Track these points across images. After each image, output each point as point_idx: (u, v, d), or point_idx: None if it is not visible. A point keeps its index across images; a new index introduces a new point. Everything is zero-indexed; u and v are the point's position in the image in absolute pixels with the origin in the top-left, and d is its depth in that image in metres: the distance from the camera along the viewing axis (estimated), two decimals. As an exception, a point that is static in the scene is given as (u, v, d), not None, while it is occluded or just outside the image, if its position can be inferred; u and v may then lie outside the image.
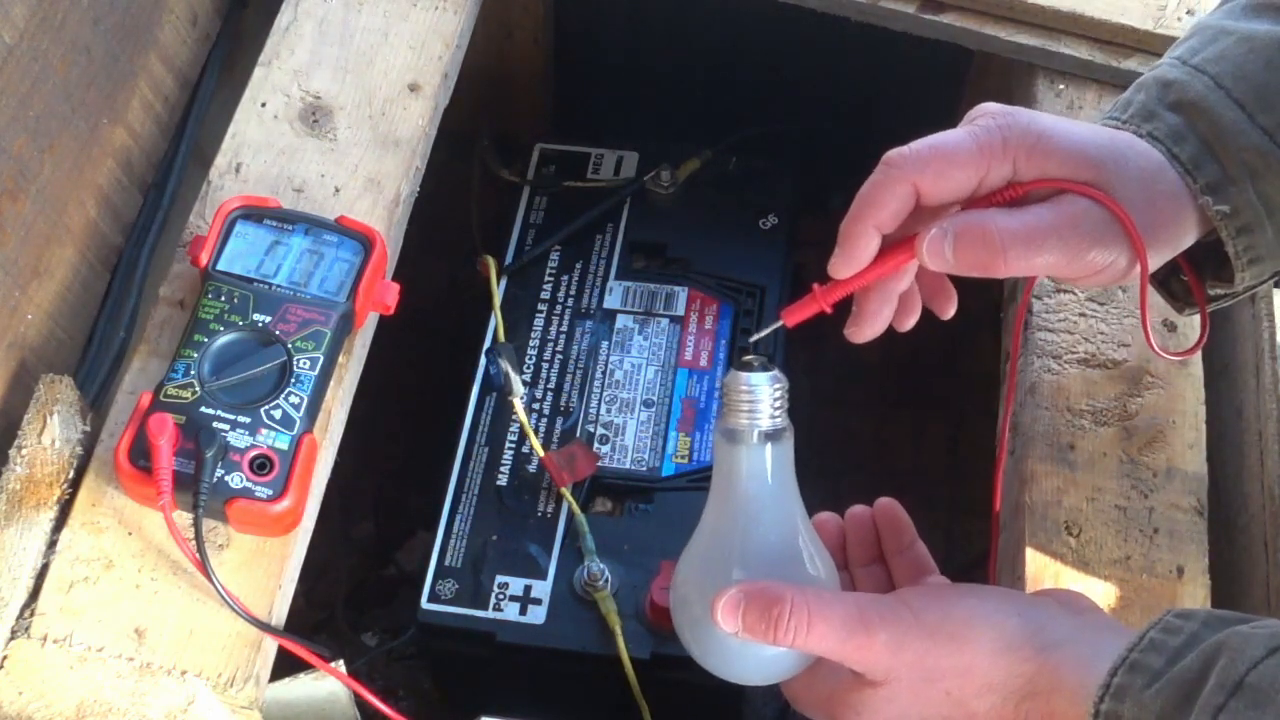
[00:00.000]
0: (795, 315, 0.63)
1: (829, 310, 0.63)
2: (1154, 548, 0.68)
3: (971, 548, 1.00)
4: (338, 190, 0.76)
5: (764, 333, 0.67)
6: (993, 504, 0.70)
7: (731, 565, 0.61)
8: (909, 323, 0.65)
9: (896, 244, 0.61)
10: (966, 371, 1.12)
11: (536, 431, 0.83)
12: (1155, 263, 0.60)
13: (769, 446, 0.61)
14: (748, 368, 0.61)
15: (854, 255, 0.60)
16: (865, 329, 0.64)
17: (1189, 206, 0.59)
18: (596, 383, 0.85)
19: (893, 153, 0.59)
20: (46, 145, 0.70)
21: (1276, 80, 0.58)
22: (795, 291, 0.93)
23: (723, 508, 0.62)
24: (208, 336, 0.67)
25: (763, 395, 0.60)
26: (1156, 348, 0.64)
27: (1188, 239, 0.60)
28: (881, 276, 0.61)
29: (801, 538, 0.62)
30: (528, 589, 0.77)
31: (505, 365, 0.82)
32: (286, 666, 0.65)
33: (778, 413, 0.61)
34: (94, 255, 0.75)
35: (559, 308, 0.88)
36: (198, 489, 0.63)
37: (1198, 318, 0.66)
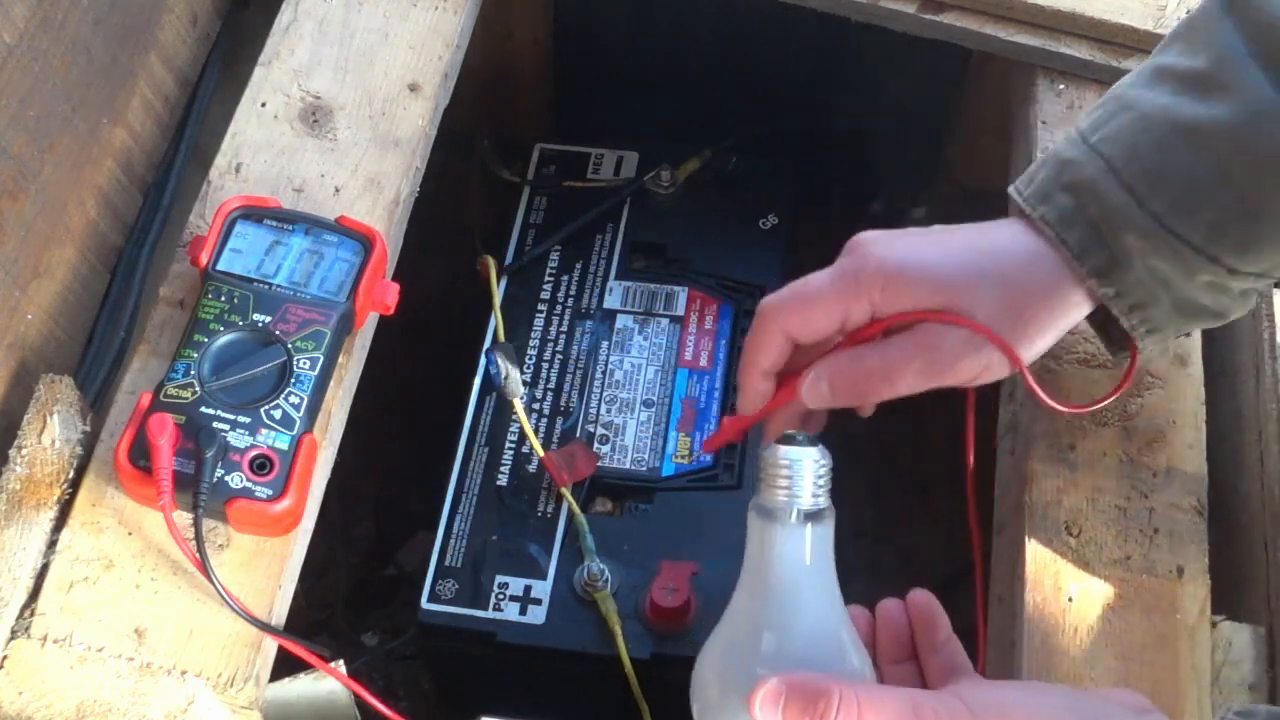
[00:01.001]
0: (712, 444, 0.76)
1: (740, 439, 0.73)
2: (1154, 548, 0.68)
3: (971, 548, 1.00)
4: (338, 190, 0.76)
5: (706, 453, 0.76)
6: (969, 509, 0.70)
7: (766, 654, 0.56)
8: (819, 426, 0.68)
9: (788, 378, 0.65)
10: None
11: (536, 431, 0.83)
12: (1041, 348, 0.63)
13: (809, 527, 0.57)
14: (789, 441, 0.58)
15: (752, 397, 0.66)
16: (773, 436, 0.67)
17: (1074, 287, 0.62)
18: (596, 383, 0.85)
19: (764, 302, 0.64)
20: (46, 145, 0.70)
21: (1166, 163, 0.60)
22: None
23: (756, 591, 0.58)
24: (208, 336, 0.67)
25: (804, 471, 0.57)
26: (1053, 403, 0.66)
27: (1077, 315, 0.63)
28: (775, 409, 0.66)
29: (842, 628, 0.58)
30: (528, 589, 0.78)
31: (505, 365, 0.82)
32: (286, 666, 0.65)
33: (820, 491, 0.58)
34: (94, 255, 0.75)
35: (559, 308, 0.88)
36: (198, 489, 0.63)
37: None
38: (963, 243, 0.64)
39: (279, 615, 0.65)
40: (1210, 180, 0.59)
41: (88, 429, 0.67)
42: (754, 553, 0.58)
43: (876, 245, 0.63)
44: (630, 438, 0.83)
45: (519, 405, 0.83)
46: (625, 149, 0.95)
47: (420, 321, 0.84)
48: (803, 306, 0.63)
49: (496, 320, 0.86)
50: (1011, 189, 0.65)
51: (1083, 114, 0.65)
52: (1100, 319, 0.66)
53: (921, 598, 0.63)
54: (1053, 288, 0.62)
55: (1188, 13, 0.78)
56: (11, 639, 0.62)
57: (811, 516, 0.57)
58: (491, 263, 0.88)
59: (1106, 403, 0.69)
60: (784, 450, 0.58)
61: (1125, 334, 0.65)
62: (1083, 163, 0.62)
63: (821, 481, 0.58)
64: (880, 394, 0.63)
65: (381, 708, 0.65)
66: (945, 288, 0.61)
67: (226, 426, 0.64)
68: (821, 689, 0.54)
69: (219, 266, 0.69)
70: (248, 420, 0.65)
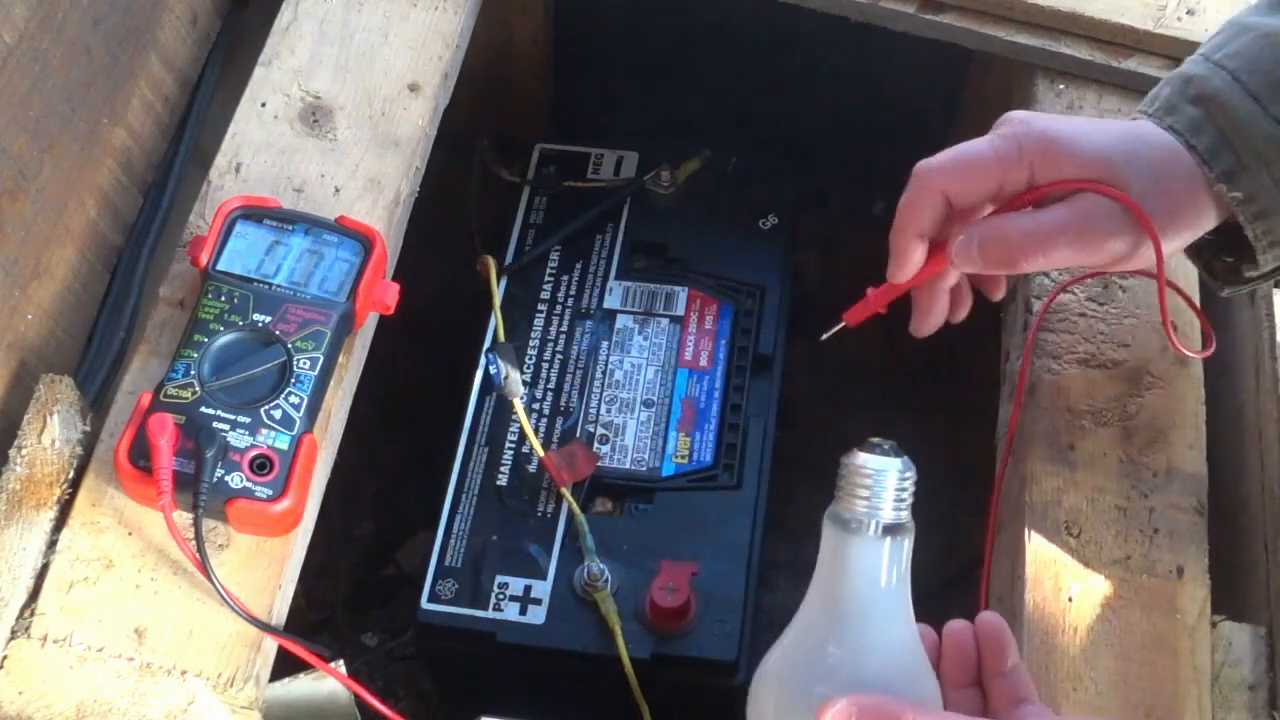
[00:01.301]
0: (856, 316, 0.71)
1: (884, 310, 0.70)
2: (1154, 548, 0.68)
3: (971, 548, 1.00)
4: (338, 190, 0.76)
5: (831, 333, 0.71)
6: (990, 508, 0.70)
7: (835, 671, 0.54)
8: (961, 314, 0.72)
9: (936, 248, 0.66)
10: (967, 372, 1.12)
11: (536, 431, 0.83)
12: (1176, 246, 0.64)
13: (888, 541, 0.55)
14: (874, 449, 0.56)
15: (906, 262, 0.67)
16: (924, 323, 0.71)
17: (1205, 193, 0.63)
18: (596, 383, 0.85)
19: (920, 165, 0.65)
20: (46, 145, 0.70)
21: None
22: (795, 292, 0.93)
23: (826, 604, 0.55)
24: (208, 336, 0.67)
25: (888, 482, 0.55)
26: (1178, 344, 0.68)
27: (1206, 222, 0.64)
28: (925, 279, 0.67)
29: (915, 649, 0.56)
30: (528, 589, 0.78)
31: (505, 365, 0.82)
32: (286, 666, 0.65)
33: (902, 505, 0.55)
34: (94, 255, 0.75)
35: (559, 308, 0.88)
36: (198, 489, 0.62)
37: (1198, 326, 0.69)
38: (1116, 126, 0.66)
39: (279, 615, 0.65)
40: None
41: (88, 429, 0.67)
42: (827, 564, 0.56)
43: (1036, 118, 0.65)
44: (630, 438, 0.83)
45: (519, 405, 0.83)
46: (625, 149, 0.95)
47: (420, 321, 0.84)
48: (962, 168, 0.64)
49: (496, 320, 0.86)
50: (1136, 111, 0.67)
51: (1203, 43, 0.67)
52: (1206, 257, 0.68)
53: (991, 620, 0.60)
54: (1192, 185, 0.63)
55: (1189, 13, 0.79)
56: (11, 639, 0.62)
57: (891, 530, 0.55)
58: (491, 263, 0.88)
59: (1209, 352, 0.71)
60: (867, 458, 0.55)
61: (1227, 269, 0.67)
62: (1208, 76, 0.64)
63: (904, 494, 0.55)
64: (1031, 260, 0.63)
65: (381, 708, 0.65)
66: (1103, 161, 0.63)
67: (226, 426, 0.64)
68: (894, 713, 0.52)
69: (219, 266, 0.69)
70: (248, 420, 0.65)
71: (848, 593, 0.55)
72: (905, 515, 0.55)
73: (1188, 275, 0.74)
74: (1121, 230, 0.63)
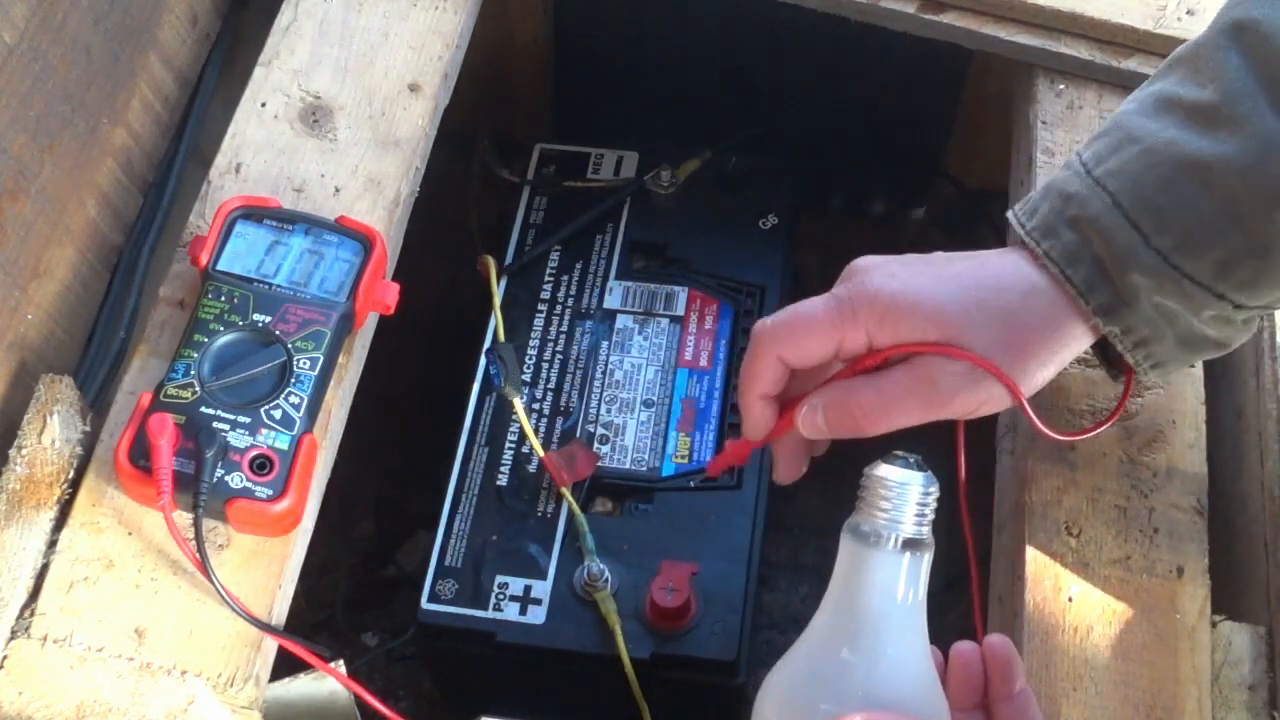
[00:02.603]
0: (716, 467, 0.74)
1: (744, 463, 0.72)
2: (1154, 548, 0.68)
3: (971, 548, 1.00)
4: (338, 190, 0.76)
5: (698, 482, 0.76)
6: (961, 505, 0.69)
7: (847, 685, 0.53)
8: (821, 450, 0.69)
9: (789, 406, 0.65)
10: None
11: (536, 431, 0.83)
12: (1040, 382, 0.62)
13: (907, 556, 0.54)
14: (897, 461, 0.55)
15: (755, 422, 0.66)
16: (785, 473, 0.69)
17: (1073, 322, 0.61)
18: (596, 383, 0.85)
19: (757, 326, 0.64)
20: (46, 145, 0.70)
21: (1173, 200, 0.58)
22: (795, 291, 0.93)
23: (841, 617, 0.55)
24: (208, 336, 0.67)
25: (909, 496, 0.54)
26: (1049, 432, 0.65)
27: (1076, 349, 0.62)
28: (781, 435, 0.67)
29: (928, 668, 0.55)
30: (528, 589, 0.78)
31: (505, 365, 0.82)
32: (286, 666, 0.65)
33: (922, 520, 0.55)
34: (94, 255, 0.75)
35: (559, 308, 0.88)
36: (198, 489, 0.63)
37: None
38: (961, 273, 0.62)
39: (279, 615, 0.65)
40: (1218, 218, 0.57)
41: (88, 429, 0.67)
42: (843, 576, 0.55)
43: (873, 274, 0.62)
44: (630, 438, 0.83)
45: (519, 405, 0.83)
46: (625, 149, 0.95)
47: (420, 321, 0.84)
48: (797, 333, 0.62)
49: (496, 320, 0.86)
50: (1011, 217, 0.64)
51: (1084, 143, 0.64)
52: (1101, 345, 0.65)
53: (999, 643, 0.59)
54: (1055, 322, 0.61)
55: (1189, 13, 0.79)
56: (11, 639, 0.62)
57: (911, 545, 0.54)
58: (491, 263, 0.88)
59: (1100, 431, 0.68)
60: (889, 471, 0.55)
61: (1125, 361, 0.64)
62: (1087, 197, 0.61)
63: (925, 510, 0.55)
64: (877, 427, 0.62)
65: (381, 708, 0.65)
66: (944, 320, 0.60)
67: (226, 426, 0.64)
68: None
69: (219, 266, 0.69)
70: (248, 420, 0.65)
71: (863, 606, 0.54)
72: (926, 531, 0.55)
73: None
74: (966, 385, 0.60)
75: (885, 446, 0.58)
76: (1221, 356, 0.65)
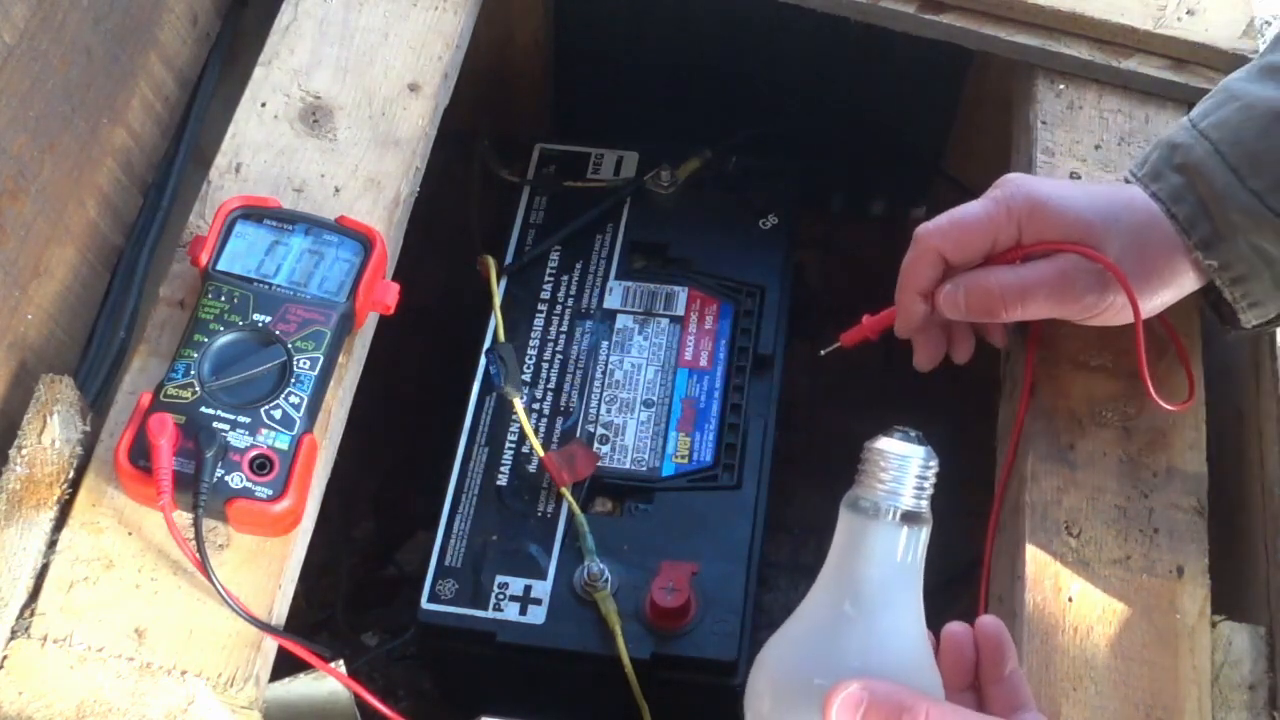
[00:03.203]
0: (851, 338, 0.78)
1: (874, 339, 0.77)
2: (1154, 548, 0.68)
3: (971, 548, 1.00)
4: (338, 190, 0.76)
5: (829, 350, 0.78)
6: (993, 508, 0.70)
7: (842, 657, 0.52)
8: (964, 354, 0.76)
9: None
10: (967, 372, 1.12)
11: (536, 431, 0.83)
12: (1154, 305, 0.69)
13: (905, 530, 0.54)
14: (898, 435, 0.55)
15: (909, 318, 0.73)
16: (923, 359, 0.76)
17: (1183, 257, 0.68)
18: (596, 383, 0.85)
19: (920, 228, 0.71)
20: (46, 145, 0.70)
21: (1267, 148, 0.65)
22: (795, 292, 0.93)
23: (838, 589, 0.54)
24: (208, 336, 0.67)
25: (909, 469, 0.54)
26: (1156, 397, 0.70)
27: (1188, 284, 0.69)
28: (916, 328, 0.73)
29: (923, 642, 0.55)
30: (528, 589, 0.78)
31: (505, 365, 0.82)
32: (286, 666, 0.65)
33: (921, 494, 0.55)
34: (94, 255, 0.75)
35: (559, 308, 0.88)
36: (198, 489, 0.62)
37: (1183, 372, 0.73)
38: (1104, 191, 0.70)
39: (279, 615, 0.65)
40: None
41: (88, 429, 0.67)
42: (840, 549, 0.55)
43: (1027, 180, 0.70)
44: (630, 438, 0.83)
45: (519, 405, 0.83)
46: (625, 149, 0.95)
47: (420, 321, 0.84)
48: (959, 229, 0.70)
49: (496, 320, 0.86)
50: (1128, 172, 0.71)
51: (1196, 106, 0.71)
52: (1213, 297, 0.70)
53: (990, 624, 0.60)
54: (1171, 251, 0.68)
55: (1189, 13, 0.79)
56: (11, 639, 0.62)
57: (909, 519, 0.54)
58: (491, 263, 0.88)
59: (1189, 403, 0.72)
60: (889, 444, 0.55)
61: (1234, 310, 0.69)
62: (1191, 145, 0.68)
63: (925, 484, 0.55)
64: (1011, 310, 0.69)
65: (381, 708, 0.65)
66: (1085, 224, 0.67)
67: (226, 426, 0.64)
68: (907, 703, 0.51)
69: (219, 266, 0.69)
70: (248, 420, 0.65)
71: (860, 578, 0.54)
72: (925, 506, 0.55)
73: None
74: (1095, 287, 0.67)
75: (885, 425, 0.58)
76: (1221, 356, 0.66)
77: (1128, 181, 0.71)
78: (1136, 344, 0.68)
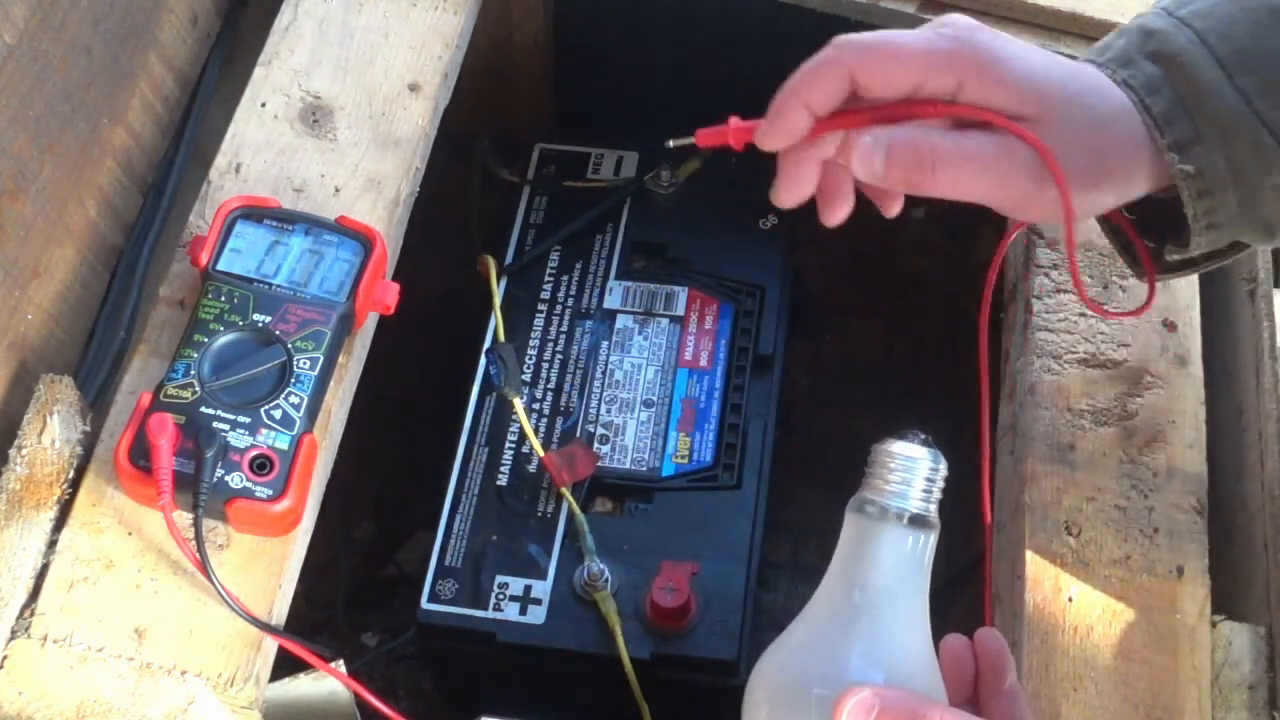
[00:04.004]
0: (707, 139, 0.63)
1: (738, 148, 0.62)
2: (1154, 548, 0.68)
3: (971, 548, 1.00)
4: (338, 190, 0.76)
5: (680, 142, 0.64)
6: (984, 510, 0.70)
7: (846, 667, 0.51)
8: (838, 215, 0.62)
9: (820, 125, 0.59)
10: (967, 372, 1.12)
11: (536, 431, 0.83)
12: (1097, 207, 0.59)
13: (912, 533, 0.53)
14: (906, 438, 0.55)
15: (782, 128, 0.60)
16: (782, 191, 0.62)
17: (1144, 157, 0.57)
18: (596, 383, 0.85)
19: (841, 37, 0.58)
20: (46, 145, 0.70)
21: (1262, 45, 0.56)
22: (795, 292, 0.93)
23: (843, 593, 0.54)
24: (208, 336, 0.67)
25: (918, 471, 0.54)
26: (1089, 301, 0.63)
27: (1135, 189, 0.59)
28: (793, 150, 0.61)
29: (929, 648, 0.54)
30: (528, 589, 0.78)
31: (505, 365, 0.82)
32: (286, 666, 0.65)
33: (929, 498, 0.54)
34: (94, 255, 0.75)
35: (559, 308, 0.88)
36: (198, 489, 0.63)
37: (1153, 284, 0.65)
38: (1067, 65, 0.58)
39: (279, 615, 0.65)
40: None
41: (88, 429, 0.67)
42: (846, 552, 0.54)
43: (983, 29, 0.58)
44: (630, 438, 0.83)
45: (519, 405, 0.83)
46: (625, 149, 0.95)
47: (420, 321, 0.84)
48: (883, 55, 0.57)
49: (496, 320, 0.86)
50: (1084, 57, 0.60)
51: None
52: (1124, 238, 0.64)
53: (991, 638, 0.58)
54: (1134, 146, 0.57)
55: None
56: (11, 639, 0.62)
57: (917, 522, 0.53)
58: (491, 263, 0.88)
59: (1140, 312, 0.66)
60: (898, 446, 0.54)
61: (1146, 254, 0.62)
62: (1171, 33, 0.58)
63: (932, 488, 0.54)
64: (939, 181, 0.57)
65: (381, 708, 0.65)
66: (1043, 99, 0.56)
67: (226, 426, 0.64)
68: (918, 710, 0.49)
69: (219, 266, 0.69)
70: (248, 420, 0.65)
71: (865, 582, 0.53)
72: (932, 510, 0.54)
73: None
74: (1035, 178, 0.56)
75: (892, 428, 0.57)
76: (1221, 356, 0.65)
77: (1091, 62, 0.60)
78: (1068, 249, 0.59)
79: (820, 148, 0.60)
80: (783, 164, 0.61)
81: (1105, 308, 0.65)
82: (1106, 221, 0.64)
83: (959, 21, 0.58)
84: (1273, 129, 0.56)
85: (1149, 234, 0.63)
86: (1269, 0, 0.57)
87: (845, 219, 0.62)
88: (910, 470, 0.54)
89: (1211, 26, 0.57)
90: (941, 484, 0.55)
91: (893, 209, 0.63)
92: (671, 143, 0.65)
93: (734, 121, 0.62)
